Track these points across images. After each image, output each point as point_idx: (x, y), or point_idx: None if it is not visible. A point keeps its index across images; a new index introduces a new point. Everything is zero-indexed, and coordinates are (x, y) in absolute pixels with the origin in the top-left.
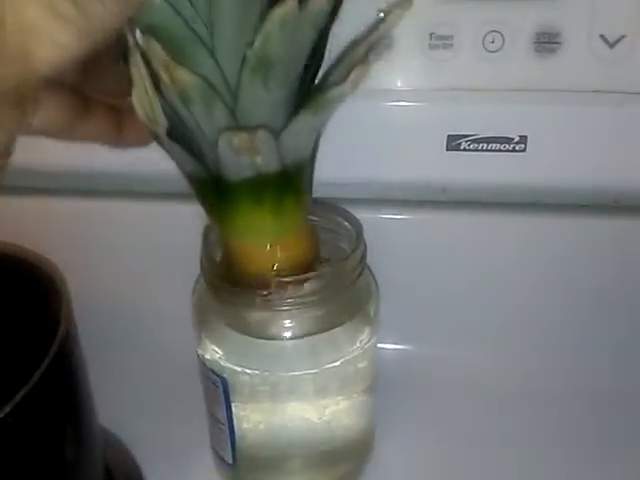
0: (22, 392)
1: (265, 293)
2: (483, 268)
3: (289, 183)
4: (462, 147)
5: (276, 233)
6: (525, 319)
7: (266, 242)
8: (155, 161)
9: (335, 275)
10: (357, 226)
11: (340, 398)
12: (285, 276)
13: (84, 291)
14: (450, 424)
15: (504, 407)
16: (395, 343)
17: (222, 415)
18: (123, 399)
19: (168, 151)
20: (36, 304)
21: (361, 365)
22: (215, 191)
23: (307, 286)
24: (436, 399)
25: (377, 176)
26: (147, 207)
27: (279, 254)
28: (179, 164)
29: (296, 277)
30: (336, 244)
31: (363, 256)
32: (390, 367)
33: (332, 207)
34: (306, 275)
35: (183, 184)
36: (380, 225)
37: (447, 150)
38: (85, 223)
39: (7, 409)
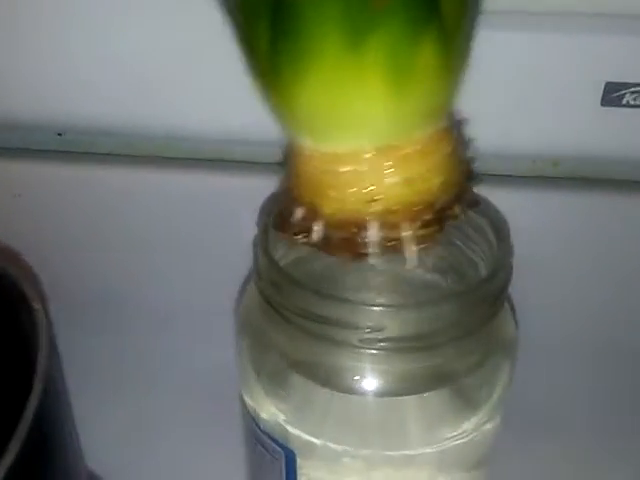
0: None
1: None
2: None
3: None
4: (625, 101)
5: (392, 122)
6: None
7: (368, 142)
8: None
9: (464, 302)
10: (501, 228)
11: None
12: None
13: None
14: None
15: None
16: None
17: None
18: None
19: None
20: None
21: (481, 447)
22: (276, 20)
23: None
24: None
25: (492, 138)
26: (160, 175)
27: (390, 175)
28: None
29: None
30: (461, 253)
31: (508, 277)
32: None
33: None
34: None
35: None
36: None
37: (602, 105)
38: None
39: None
